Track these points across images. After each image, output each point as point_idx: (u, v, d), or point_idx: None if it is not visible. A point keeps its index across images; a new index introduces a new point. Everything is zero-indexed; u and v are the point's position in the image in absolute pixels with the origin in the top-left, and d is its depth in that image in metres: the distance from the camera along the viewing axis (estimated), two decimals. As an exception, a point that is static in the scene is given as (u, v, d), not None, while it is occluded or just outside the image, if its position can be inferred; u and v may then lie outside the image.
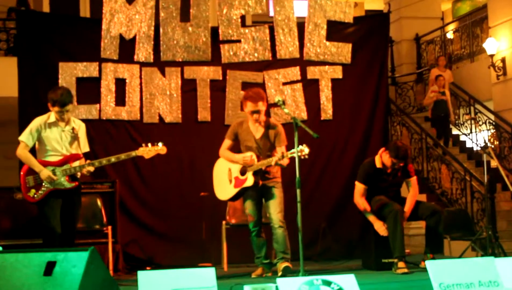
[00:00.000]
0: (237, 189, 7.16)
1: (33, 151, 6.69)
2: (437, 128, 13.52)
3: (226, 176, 7.28)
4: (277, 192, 7.16)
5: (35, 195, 6.53)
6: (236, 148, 7.33)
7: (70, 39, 9.05)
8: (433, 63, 15.56)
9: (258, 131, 7.20)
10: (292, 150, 6.67)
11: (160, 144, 6.91)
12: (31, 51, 8.88)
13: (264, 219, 7.41)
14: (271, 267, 7.26)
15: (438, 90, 13.27)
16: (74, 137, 6.71)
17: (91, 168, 6.66)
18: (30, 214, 6.74)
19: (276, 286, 4.43)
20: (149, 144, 6.88)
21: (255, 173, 7.03)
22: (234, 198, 7.37)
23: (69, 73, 8.84)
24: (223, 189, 7.34)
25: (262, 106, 7.10)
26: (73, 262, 4.39)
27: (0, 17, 12.97)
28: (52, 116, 6.67)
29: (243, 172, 7.12)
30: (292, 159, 6.76)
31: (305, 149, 6.65)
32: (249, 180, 7.05)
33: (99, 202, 8.32)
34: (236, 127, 7.36)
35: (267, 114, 8.04)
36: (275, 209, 7.09)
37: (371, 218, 7.55)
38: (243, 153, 7.18)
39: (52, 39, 8.97)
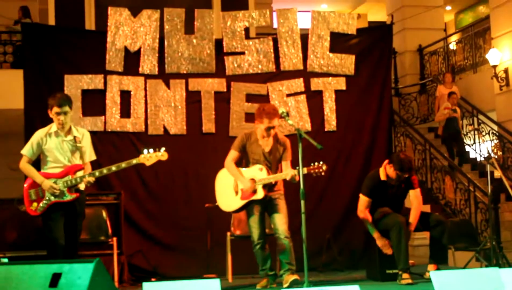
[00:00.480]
0: (244, 202, 7.13)
1: (38, 163, 6.67)
2: (449, 145, 13.23)
3: (232, 188, 7.25)
4: (282, 204, 7.15)
5: (38, 209, 6.52)
6: (239, 159, 7.32)
7: (76, 51, 9.08)
8: (436, 74, 15.57)
9: (267, 145, 7.19)
10: (312, 165, 6.71)
11: (162, 149, 6.78)
12: (37, 64, 8.91)
13: (268, 230, 7.41)
14: (275, 279, 7.25)
15: (451, 108, 13.03)
16: (76, 147, 6.68)
17: (92, 179, 6.61)
18: (36, 226, 6.74)
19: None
20: (151, 150, 6.74)
21: (265, 187, 7.02)
22: (239, 210, 7.34)
23: (75, 85, 8.86)
24: (228, 200, 7.30)
25: (276, 122, 7.13)
26: (79, 274, 4.39)
27: (5, 30, 13.02)
28: (53, 126, 6.66)
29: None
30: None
31: (323, 167, 6.73)
32: (259, 193, 7.03)
33: (104, 214, 8.32)
34: (244, 139, 7.33)
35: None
36: (280, 221, 7.07)
37: (376, 235, 7.55)
38: (251, 165, 7.18)
39: (57, 52, 9.00)
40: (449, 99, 13.18)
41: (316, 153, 7.27)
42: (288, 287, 6.75)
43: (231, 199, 7.25)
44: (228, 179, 7.33)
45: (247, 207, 7.20)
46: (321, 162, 6.84)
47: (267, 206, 7.19)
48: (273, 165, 7.13)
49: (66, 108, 6.61)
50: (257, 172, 7.08)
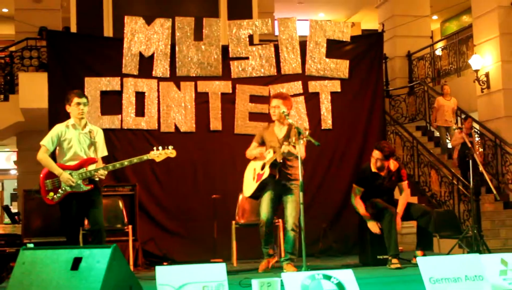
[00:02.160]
0: (257, 183, 7.03)
1: (53, 156, 6.66)
2: (463, 169, 11.81)
3: (252, 175, 7.20)
4: (296, 194, 6.95)
5: (54, 198, 6.48)
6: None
7: (95, 56, 9.08)
8: (423, 78, 15.56)
9: (281, 132, 7.13)
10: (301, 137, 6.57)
11: (170, 147, 6.76)
12: (60, 67, 8.92)
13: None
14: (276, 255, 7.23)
15: (466, 132, 12.35)
16: (92, 141, 6.66)
17: (105, 172, 6.57)
18: (58, 214, 6.73)
19: (281, 280, 4.43)
20: (160, 148, 6.74)
21: (272, 166, 6.92)
22: (256, 193, 7.14)
23: (94, 87, 8.87)
24: (248, 186, 7.23)
25: (275, 102, 7.07)
26: (97, 258, 4.39)
27: (32, 37, 13.04)
28: (71, 120, 6.63)
29: (263, 167, 7.03)
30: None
31: (306, 132, 6.46)
32: (266, 172, 6.93)
33: (120, 204, 8.33)
34: (262, 130, 7.33)
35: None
36: (291, 213, 6.94)
37: (366, 217, 7.56)
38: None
39: (78, 56, 9.00)
40: (465, 123, 12.77)
41: (314, 150, 7.27)
42: None
43: (250, 184, 7.17)
44: (250, 169, 7.26)
45: (263, 189, 7.09)
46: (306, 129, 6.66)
47: (282, 193, 7.07)
48: (300, 155, 6.99)
49: (85, 100, 6.62)
50: (267, 155, 7.01)
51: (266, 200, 7.09)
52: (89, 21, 11.25)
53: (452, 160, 13.29)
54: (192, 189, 9.08)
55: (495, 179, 12.42)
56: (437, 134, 14.27)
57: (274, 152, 6.93)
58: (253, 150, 7.26)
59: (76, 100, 6.54)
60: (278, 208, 7.25)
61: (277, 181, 6.99)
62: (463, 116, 13.50)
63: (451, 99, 13.50)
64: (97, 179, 6.57)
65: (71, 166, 6.51)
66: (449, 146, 13.47)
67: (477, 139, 13.27)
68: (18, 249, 5.30)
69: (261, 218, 7.13)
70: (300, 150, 6.51)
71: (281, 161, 6.91)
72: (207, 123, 9.19)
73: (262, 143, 7.25)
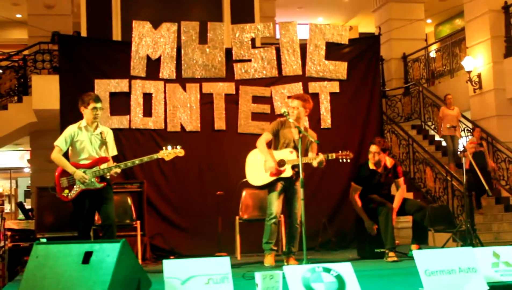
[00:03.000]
0: (273, 178, 6.90)
1: (66, 156, 6.66)
2: (475, 180, 11.19)
3: (262, 165, 7.00)
4: (302, 192, 6.89)
5: (69, 195, 6.49)
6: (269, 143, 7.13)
7: (104, 59, 9.09)
8: (418, 78, 15.55)
9: (297, 134, 6.93)
10: (340, 153, 6.71)
11: (178, 147, 6.78)
12: (71, 70, 8.92)
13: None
14: (277, 253, 7.19)
15: (477, 142, 12.44)
16: (103, 141, 6.64)
17: (118, 170, 6.59)
18: (69, 211, 6.74)
19: (283, 273, 4.42)
20: (169, 147, 6.76)
21: (293, 167, 6.89)
22: (266, 186, 7.04)
23: (103, 89, 8.87)
24: (258, 176, 7.04)
25: (293, 104, 6.96)
26: (107, 252, 4.39)
27: (44, 41, 13.05)
28: (83, 122, 6.62)
29: (281, 163, 6.92)
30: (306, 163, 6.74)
31: (351, 154, 6.73)
32: (288, 171, 6.84)
33: (129, 200, 8.33)
34: (278, 124, 7.09)
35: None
36: (299, 209, 6.85)
37: (364, 217, 7.55)
38: (280, 148, 6.98)
39: (88, 59, 9.00)
40: (474, 133, 12.67)
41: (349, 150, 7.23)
42: None
43: (261, 175, 7.01)
44: (259, 158, 7.08)
45: (272, 185, 6.98)
46: (348, 151, 6.79)
47: (289, 189, 7.00)
48: (300, 152, 6.99)
49: (101, 104, 6.62)
50: (288, 154, 6.89)
51: (276, 196, 6.96)
52: (98, 25, 11.22)
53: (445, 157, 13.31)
54: (198, 186, 9.07)
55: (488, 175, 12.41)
56: (437, 137, 14.26)
57: (297, 154, 6.87)
58: (263, 145, 7.00)
59: (93, 104, 6.52)
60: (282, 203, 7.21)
61: (289, 179, 6.97)
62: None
63: (454, 109, 13.25)
64: (108, 177, 6.58)
65: (85, 164, 6.52)
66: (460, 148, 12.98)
67: (470, 137, 13.24)
68: (32, 244, 5.30)
69: (271, 212, 6.97)
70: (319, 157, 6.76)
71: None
72: (211, 122, 9.19)
73: (275, 135, 7.08)
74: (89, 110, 6.54)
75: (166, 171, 8.97)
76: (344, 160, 6.82)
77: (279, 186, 6.97)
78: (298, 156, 6.70)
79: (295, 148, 6.90)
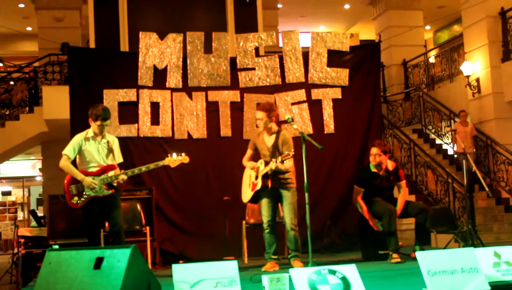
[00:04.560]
0: (252, 192, 7.08)
1: (73, 164, 6.66)
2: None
3: (248, 182, 7.23)
4: (289, 197, 6.98)
5: (78, 202, 6.49)
6: (257, 157, 7.24)
7: (112, 69, 9.11)
8: (418, 84, 15.53)
9: (269, 140, 7.10)
10: (285, 153, 6.64)
11: (183, 154, 6.82)
12: (80, 80, 8.93)
13: (278, 218, 7.37)
14: (278, 261, 7.16)
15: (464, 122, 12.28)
16: (109, 150, 6.65)
17: (125, 177, 6.60)
18: (80, 218, 6.75)
19: (289, 276, 4.42)
20: (174, 154, 6.80)
21: (264, 177, 6.94)
22: (252, 200, 7.24)
23: (112, 98, 8.88)
24: (245, 192, 7.28)
25: (259, 115, 7.08)
26: (118, 258, 4.40)
27: (54, 53, 13.09)
28: (90, 132, 6.63)
29: (256, 177, 7.06)
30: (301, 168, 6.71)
31: (291, 153, 6.60)
32: (259, 184, 6.98)
33: (138, 206, 8.33)
34: (254, 138, 7.30)
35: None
36: (288, 214, 6.96)
37: (367, 215, 7.54)
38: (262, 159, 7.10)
39: (97, 70, 9.02)
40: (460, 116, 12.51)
41: (317, 153, 7.26)
42: None
43: (247, 192, 7.23)
44: (247, 175, 7.29)
45: (259, 197, 7.11)
46: (291, 150, 6.71)
47: (278, 197, 7.07)
48: (277, 158, 7.02)
49: (109, 122, 6.65)
50: (260, 166, 7.02)
51: (264, 206, 7.11)
52: (106, 37, 11.25)
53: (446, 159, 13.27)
54: (205, 192, 9.08)
55: (488, 177, 12.38)
56: (438, 141, 14.21)
57: (266, 163, 6.93)
58: (247, 160, 7.25)
59: (99, 122, 6.53)
60: (277, 210, 7.26)
61: (270, 189, 6.99)
62: (456, 119, 13.44)
63: (468, 125, 12.77)
64: (115, 184, 6.59)
65: (93, 172, 6.53)
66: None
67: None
68: (45, 250, 5.31)
69: (263, 223, 7.16)
70: (286, 164, 6.76)
71: (271, 172, 6.91)
72: (217, 130, 9.19)
73: (256, 149, 7.26)
74: (96, 126, 6.56)
75: (174, 177, 8.97)
76: (287, 160, 6.66)
77: (265, 197, 7.08)
78: (266, 165, 6.88)
79: (271, 155, 6.99)
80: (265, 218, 7.10)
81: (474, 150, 12.61)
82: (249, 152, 7.30)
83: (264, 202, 7.09)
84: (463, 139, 12.31)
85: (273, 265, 7.02)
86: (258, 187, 6.99)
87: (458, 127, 12.66)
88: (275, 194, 7.06)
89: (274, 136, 7.11)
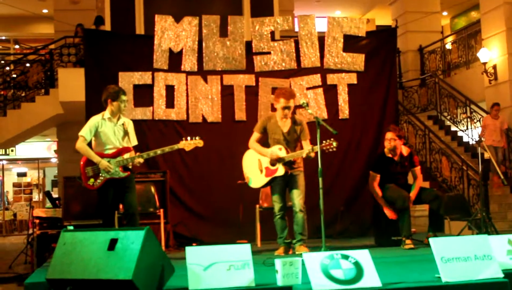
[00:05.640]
0: (268, 178, 7.03)
1: (89, 146, 6.68)
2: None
3: (257, 166, 7.14)
4: (300, 180, 7.01)
5: (94, 184, 6.53)
6: (262, 140, 7.21)
7: (128, 52, 9.10)
8: (434, 70, 15.43)
9: (285, 126, 7.06)
10: (324, 143, 6.56)
11: (197, 137, 6.84)
12: (96, 63, 8.96)
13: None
14: (290, 246, 7.17)
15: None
16: (125, 132, 6.69)
17: (141, 160, 6.65)
18: (95, 199, 6.79)
19: (302, 260, 4.43)
20: (188, 138, 6.82)
21: (285, 164, 6.98)
22: (264, 186, 7.24)
23: (127, 81, 8.90)
24: (255, 178, 7.18)
25: (292, 103, 6.99)
26: (132, 239, 4.42)
27: (70, 35, 13.11)
28: (106, 113, 6.64)
29: (273, 163, 7.03)
30: (316, 152, 6.69)
31: (334, 143, 6.60)
32: (280, 170, 6.92)
33: (152, 189, 8.37)
34: (265, 121, 7.19)
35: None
36: (297, 196, 6.95)
37: (382, 203, 7.52)
38: (271, 145, 7.06)
39: (113, 53, 9.03)
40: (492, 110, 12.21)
41: (332, 138, 7.22)
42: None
43: (258, 177, 7.14)
44: (252, 159, 7.20)
45: (272, 183, 7.09)
46: (331, 139, 6.65)
47: (288, 182, 7.06)
48: (291, 144, 6.99)
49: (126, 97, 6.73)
50: (277, 152, 6.96)
51: (277, 192, 7.06)
52: (122, 20, 11.27)
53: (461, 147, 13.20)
54: (219, 175, 9.09)
55: (503, 165, 12.29)
56: (453, 128, 14.13)
57: (286, 149, 6.92)
58: (255, 143, 7.16)
59: (123, 96, 6.60)
60: (286, 196, 7.23)
61: (284, 175, 6.99)
62: (472, 106, 13.34)
63: (499, 118, 12.35)
64: (130, 166, 6.62)
65: (109, 154, 6.56)
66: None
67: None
68: (59, 231, 5.35)
69: (274, 209, 7.12)
70: (312, 153, 6.75)
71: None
72: (232, 114, 9.19)
73: (264, 133, 7.17)
74: (118, 103, 6.59)
75: (188, 161, 9.00)
76: (330, 150, 6.66)
77: (278, 183, 7.04)
78: (287, 152, 6.89)
79: (286, 140, 6.97)
80: (278, 204, 7.08)
81: (504, 144, 12.31)
82: (257, 135, 7.19)
83: (277, 188, 7.07)
84: (493, 133, 12.16)
85: (286, 249, 7.04)
86: (281, 173, 6.94)
87: (487, 120, 12.41)
88: (286, 180, 7.06)
89: (289, 121, 7.07)
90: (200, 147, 6.91)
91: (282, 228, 7.12)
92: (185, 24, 9.12)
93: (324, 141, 6.60)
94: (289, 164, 6.97)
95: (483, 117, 12.72)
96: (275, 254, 6.97)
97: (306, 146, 6.95)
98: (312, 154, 6.75)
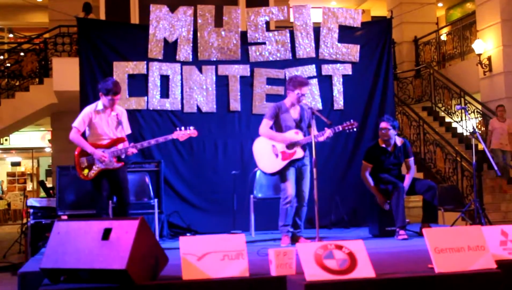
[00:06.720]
0: (285, 162, 6.88)
1: (83, 136, 6.69)
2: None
3: (271, 152, 6.98)
4: (308, 172, 6.98)
5: (89, 174, 6.54)
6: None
7: (122, 42, 9.06)
8: (429, 61, 15.44)
9: (294, 112, 7.03)
10: (345, 123, 6.83)
11: (191, 127, 6.88)
12: (90, 52, 8.90)
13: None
14: (293, 236, 7.15)
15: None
16: (119, 122, 6.71)
17: (135, 150, 6.66)
18: (89, 189, 6.79)
19: (296, 250, 4.43)
20: (183, 128, 6.87)
21: (303, 147, 6.93)
22: (281, 171, 6.96)
23: (122, 71, 8.87)
24: (269, 163, 7.00)
25: (306, 90, 7.08)
26: (126, 229, 4.42)
27: (64, 24, 13.06)
28: (99, 104, 6.65)
29: (290, 146, 6.92)
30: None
31: (355, 123, 6.82)
32: (299, 153, 6.86)
33: (147, 179, 8.35)
34: (276, 108, 7.06)
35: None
36: (305, 188, 6.94)
37: (374, 191, 7.54)
38: (284, 131, 6.96)
39: (107, 42, 8.98)
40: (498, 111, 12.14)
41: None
42: None
43: (273, 162, 6.96)
44: (265, 145, 7.06)
45: (287, 168, 6.93)
46: (352, 120, 6.85)
47: (299, 170, 6.98)
48: (303, 130, 6.99)
49: (119, 96, 6.72)
50: (294, 135, 6.90)
51: (292, 177, 6.94)
52: (116, 9, 11.21)
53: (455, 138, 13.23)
54: (213, 165, 9.08)
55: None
56: (448, 119, 14.15)
57: (301, 134, 6.92)
58: (268, 130, 7.02)
59: (110, 97, 6.59)
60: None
61: (301, 159, 6.96)
62: (467, 97, 13.36)
63: (506, 121, 12.28)
64: (128, 154, 6.63)
65: (103, 145, 6.56)
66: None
67: (479, 118, 13.13)
68: (53, 221, 5.34)
69: (286, 196, 6.90)
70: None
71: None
72: (227, 104, 9.17)
73: (276, 120, 7.06)
74: (107, 100, 6.59)
75: (182, 151, 8.99)
76: (350, 130, 6.91)
77: (292, 169, 6.96)
78: (304, 135, 6.86)
79: (298, 127, 6.95)
80: (292, 190, 6.89)
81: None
82: (268, 122, 7.05)
83: (292, 174, 6.93)
84: (500, 136, 12.06)
85: (294, 239, 6.94)
86: (299, 155, 6.88)
87: (494, 124, 12.26)
88: (299, 167, 7.00)
89: (298, 107, 7.06)
90: (195, 137, 6.92)
91: (290, 216, 6.95)
92: (180, 14, 9.09)
93: (344, 122, 6.86)
94: (304, 150, 6.96)
95: (490, 121, 12.53)
96: (281, 245, 6.79)
97: (316, 131, 6.90)
98: (328, 137, 6.84)
